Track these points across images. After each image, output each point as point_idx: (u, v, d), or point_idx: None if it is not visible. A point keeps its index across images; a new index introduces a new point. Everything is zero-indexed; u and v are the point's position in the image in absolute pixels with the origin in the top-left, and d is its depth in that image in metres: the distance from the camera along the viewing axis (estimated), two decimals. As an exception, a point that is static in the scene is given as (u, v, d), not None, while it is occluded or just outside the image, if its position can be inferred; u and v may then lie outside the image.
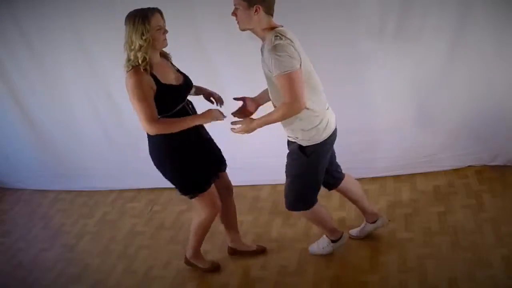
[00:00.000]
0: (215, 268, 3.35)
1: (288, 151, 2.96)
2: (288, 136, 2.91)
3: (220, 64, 3.82)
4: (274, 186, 4.14)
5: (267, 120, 2.73)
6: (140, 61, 2.64)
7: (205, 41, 3.75)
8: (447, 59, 3.55)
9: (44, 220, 4.34)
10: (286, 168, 2.98)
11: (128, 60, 2.68)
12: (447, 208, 3.51)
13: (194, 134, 2.90)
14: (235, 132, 2.80)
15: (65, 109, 4.37)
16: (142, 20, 2.59)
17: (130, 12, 2.65)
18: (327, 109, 2.85)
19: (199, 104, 3.04)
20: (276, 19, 3.51)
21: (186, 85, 2.90)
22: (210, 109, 2.83)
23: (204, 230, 3.20)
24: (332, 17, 3.53)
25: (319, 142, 2.81)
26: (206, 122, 2.86)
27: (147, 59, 2.65)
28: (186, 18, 3.69)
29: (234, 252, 3.44)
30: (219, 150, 3.16)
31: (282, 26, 2.66)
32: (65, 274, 3.60)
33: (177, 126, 2.79)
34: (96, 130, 4.37)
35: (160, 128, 2.74)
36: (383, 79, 3.69)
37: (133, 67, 2.66)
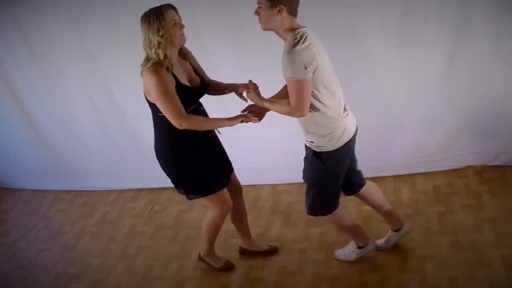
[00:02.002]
0: (229, 267, 3.34)
1: (304, 155, 2.91)
2: (305, 140, 2.86)
3: (220, 64, 3.82)
4: (274, 186, 4.14)
5: (270, 105, 2.73)
6: (162, 58, 2.60)
7: (205, 41, 3.75)
8: (447, 59, 3.55)
9: (44, 220, 4.34)
10: (303, 174, 2.95)
11: (148, 58, 2.64)
12: (447, 208, 3.50)
13: (205, 135, 2.89)
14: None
15: (66, 109, 4.37)
16: (157, 16, 2.58)
17: (145, 12, 2.64)
18: (346, 115, 2.78)
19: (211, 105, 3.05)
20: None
21: (201, 87, 2.88)
22: (239, 115, 2.84)
23: (215, 227, 3.17)
24: (332, 17, 3.53)
25: (334, 148, 2.74)
26: (232, 125, 2.84)
27: (168, 56, 2.62)
28: (186, 18, 3.68)
29: (244, 252, 3.43)
30: (228, 158, 3.16)
31: (305, 27, 2.60)
32: (65, 274, 3.60)
33: (206, 124, 2.83)
34: (96, 130, 4.37)
35: (191, 123, 2.71)
36: (382, 79, 3.69)
37: (153, 64, 2.62)
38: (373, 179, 3.94)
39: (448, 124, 3.77)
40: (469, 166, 3.88)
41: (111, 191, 4.55)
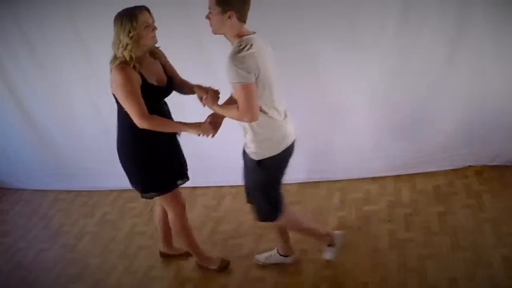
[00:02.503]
0: (225, 266, 3.34)
1: (244, 162, 2.94)
2: (246, 147, 2.86)
3: (220, 63, 3.82)
4: (274, 186, 4.14)
5: (221, 111, 2.77)
6: (127, 59, 2.67)
7: (205, 41, 3.74)
8: (447, 59, 3.55)
9: (44, 220, 4.34)
10: (244, 180, 2.98)
11: (116, 57, 2.70)
12: (447, 208, 3.50)
13: (166, 136, 2.93)
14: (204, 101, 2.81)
15: (66, 109, 4.37)
16: (130, 18, 2.62)
17: (118, 12, 2.69)
18: (286, 121, 2.82)
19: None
20: (274, 18, 3.53)
21: (168, 87, 2.93)
22: (201, 123, 2.85)
23: (182, 228, 3.19)
24: (331, 17, 3.54)
25: (275, 154, 2.78)
26: (194, 133, 2.87)
27: (134, 57, 2.67)
28: (186, 18, 3.69)
29: (165, 256, 3.48)
30: (185, 160, 3.17)
31: (254, 33, 2.66)
32: (65, 274, 3.60)
33: (167, 127, 2.87)
34: (96, 130, 4.36)
35: (153, 124, 2.77)
36: (382, 79, 3.69)
37: (121, 62, 2.68)
38: (374, 179, 3.97)
39: (448, 124, 3.77)
40: (469, 166, 3.88)
41: (111, 191, 4.54)
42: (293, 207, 3.13)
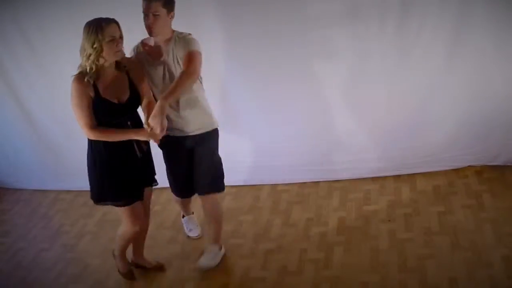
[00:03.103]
0: (131, 275, 3.39)
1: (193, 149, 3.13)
2: (197, 130, 3.08)
3: (220, 63, 3.82)
4: (274, 186, 4.14)
5: (175, 92, 2.80)
6: (88, 70, 2.70)
7: (205, 41, 3.74)
8: (447, 58, 3.55)
9: (44, 220, 4.33)
10: (204, 160, 3.15)
11: (80, 66, 2.74)
12: (447, 208, 3.51)
13: (130, 147, 2.92)
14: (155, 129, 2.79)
15: (65, 109, 4.29)
16: (96, 29, 2.64)
17: (88, 21, 2.70)
18: None
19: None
20: (274, 18, 3.53)
21: (127, 105, 2.87)
22: (143, 132, 2.82)
23: (125, 241, 3.22)
24: (331, 17, 3.54)
25: (217, 126, 3.17)
26: (140, 138, 2.87)
27: (94, 69, 2.69)
28: (185, 18, 3.68)
29: (136, 266, 3.46)
30: (152, 168, 3.15)
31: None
32: (65, 274, 3.60)
33: (113, 136, 2.85)
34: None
35: (98, 135, 2.82)
36: (382, 79, 3.69)
37: (79, 73, 2.73)
38: (374, 179, 3.97)
39: (448, 124, 3.77)
40: (469, 166, 3.88)
41: (111, 191, 4.54)
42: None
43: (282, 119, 3.94)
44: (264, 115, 3.94)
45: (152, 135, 2.79)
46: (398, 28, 3.50)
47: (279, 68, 3.76)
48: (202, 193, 3.22)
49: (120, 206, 3.01)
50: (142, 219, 3.12)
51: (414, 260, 3.10)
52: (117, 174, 2.93)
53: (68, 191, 4.67)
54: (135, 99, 2.91)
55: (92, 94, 2.75)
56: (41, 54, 4.15)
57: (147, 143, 3.01)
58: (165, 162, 3.24)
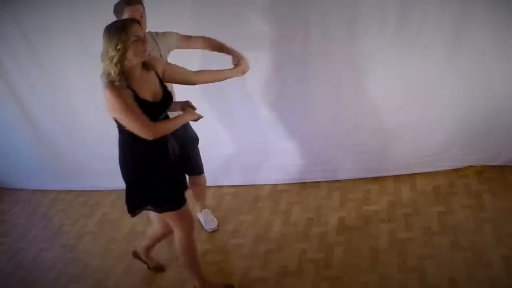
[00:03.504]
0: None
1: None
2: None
3: (220, 63, 3.82)
4: (274, 186, 4.14)
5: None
6: (113, 73, 2.49)
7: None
8: (447, 58, 3.55)
9: (44, 220, 4.33)
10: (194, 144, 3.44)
11: (105, 73, 2.54)
12: (447, 208, 3.50)
13: (169, 147, 2.78)
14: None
15: (66, 109, 4.36)
16: (119, 30, 2.47)
17: (108, 24, 2.54)
18: None
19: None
20: (274, 18, 3.53)
21: (163, 102, 2.72)
22: (188, 115, 2.78)
23: (190, 247, 2.96)
24: (331, 17, 3.54)
25: None
26: (191, 120, 2.81)
27: (119, 71, 2.49)
28: (185, 18, 3.69)
29: (137, 257, 3.43)
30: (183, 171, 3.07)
31: None
32: (65, 274, 3.60)
33: (172, 125, 2.70)
34: (96, 129, 4.36)
35: (159, 130, 2.63)
36: (382, 79, 3.69)
37: (109, 81, 2.51)
38: (374, 179, 3.97)
39: (448, 124, 3.76)
40: (469, 166, 3.88)
41: (111, 191, 4.53)
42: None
43: (282, 119, 3.94)
44: (264, 115, 3.94)
45: (244, 70, 3.01)
46: (398, 28, 3.50)
47: (279, 68, 3.76)
48: (202, 171, 3.59)
49: (176, 209, 2.82)
50: (193, 216, 2.99)
51: (414, 260, 3.10)
52: (169, 179, 2.79)
53: (68, 191, 4.68)
54: (169, 97, 2.76)
55: (132, 96, 2.54)
56: (42, 54, 4.15)
57: (178, 144, 2.88)
58: None
